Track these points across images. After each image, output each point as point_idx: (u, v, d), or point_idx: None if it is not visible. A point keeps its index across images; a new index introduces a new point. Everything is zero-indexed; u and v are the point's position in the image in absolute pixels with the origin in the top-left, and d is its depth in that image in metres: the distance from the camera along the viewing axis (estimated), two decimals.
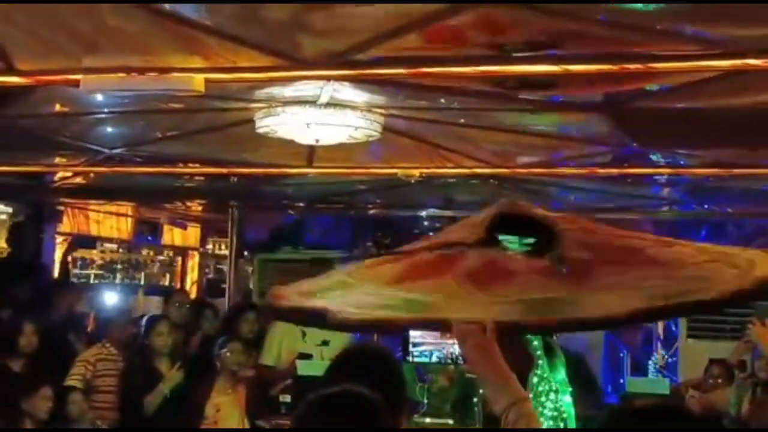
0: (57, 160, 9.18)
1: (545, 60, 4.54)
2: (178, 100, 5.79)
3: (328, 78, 5.17)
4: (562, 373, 5.86)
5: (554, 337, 6.88)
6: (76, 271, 14.21)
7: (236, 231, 11.43)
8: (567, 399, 5.14)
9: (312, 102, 6.00)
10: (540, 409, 5.07)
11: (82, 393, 7.66)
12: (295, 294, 4.04)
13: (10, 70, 4.74)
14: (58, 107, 6.56)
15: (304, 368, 8.25)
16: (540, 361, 7.00)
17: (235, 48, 4.62)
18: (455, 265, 3.75)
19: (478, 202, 8.02)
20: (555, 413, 6.15)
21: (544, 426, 4.58)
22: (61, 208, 12.61)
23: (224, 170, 8.70)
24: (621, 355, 10.19)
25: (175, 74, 4.76)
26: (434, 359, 8.74)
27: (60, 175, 10.19)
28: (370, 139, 6.51)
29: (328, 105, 6.03)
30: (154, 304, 11.16)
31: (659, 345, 10.47)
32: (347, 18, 4.22)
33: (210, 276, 15.49)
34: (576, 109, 6.08)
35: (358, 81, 5.37)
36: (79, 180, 10.33)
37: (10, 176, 9.75)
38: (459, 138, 7.25)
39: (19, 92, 5.59)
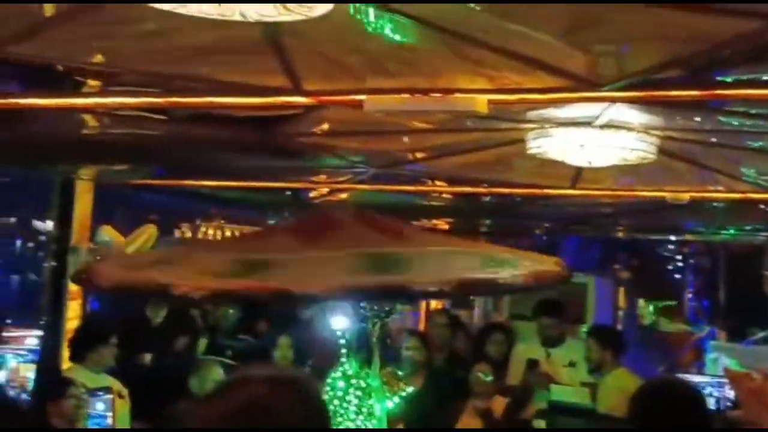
0: (317, 177, 9.37)
1: None
2: (452, 121, 5.76)
3: (616, 100, 4.99)
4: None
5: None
6: None
7: None
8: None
9: (587, 123, 5.84)
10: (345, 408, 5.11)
11: None
12: (118, 268, 4.11)
13: (297, 91, 4.79)
14: (325, 126, 6.66)
15: (556, 394, 8.08)
16: (344, 359, 6.87)
17: (521, 69, 4.51)
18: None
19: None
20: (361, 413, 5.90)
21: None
22: None
23: (483, 189, 8.63)
24: None
25: (459, 95, 4.68)
26: None
27: (316, 192, 10.39)
28: (644, 161, 6.29)
29: (603, 126, 5.85)
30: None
31: None
32: (639, 41, 4.07)
33: None
34: None
35: (642, 103, 5.17)
36: (333, 197, 10.51)
37: (272, 192, 10.01)
38: (732, 161, 6.94)
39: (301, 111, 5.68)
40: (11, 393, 5.11)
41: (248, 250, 4.89)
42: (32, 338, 5.01)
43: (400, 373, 8.10)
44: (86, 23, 4.17)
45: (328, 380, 7.02)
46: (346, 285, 4.65)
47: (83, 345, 6.66)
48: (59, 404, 5.94)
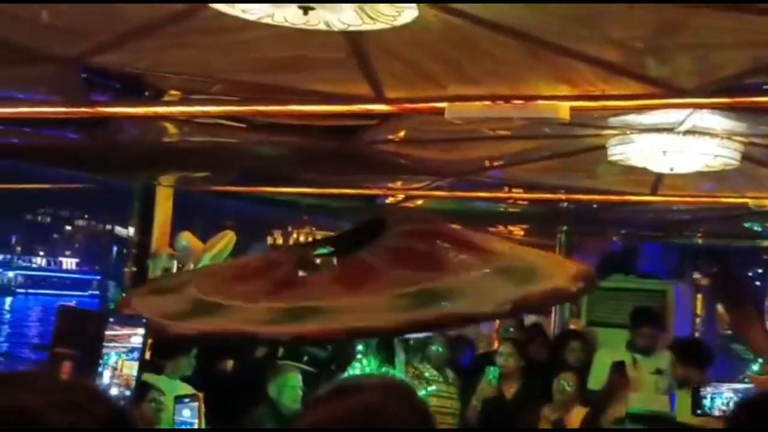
0: (393, 183, 9.40)
1: None
2: (531, 127, 5.73)
3: (702, 106, 4.92)
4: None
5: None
6: None
7: (564, 256, 11.26)
8: None
9: (669, 129, 5.77)
10: None
11: None
12: (162, 317, 4.26)
13: (380, 99, 4.81)
14: (402, 133, 6.68)
15: (636, 402, 8.00)
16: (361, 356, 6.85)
17: (604, 75, 4.47)
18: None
19: None
20: None
21: None
22: None
23: (561, 196, 8.58)
24: None
25: (541, 102, 4.66)
26: None
27: (391, 199, 10.42)
28: (727, 168, 6.19)
29: (686, 132, 5.78)
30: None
31: None
32: (723, 47, 4.01)
33: None
34: None
35: (726, 109, 5.09)
36: (409, 204, 10.53)
37: (345, 198, 10.06)
38: None
39: (382, 118, 5.70)
40: (115, 391, 5.16)
41: (290, 299, 5.19)
42: (137, 336, 5.07)
43: (426, 373, 8.16)
44: (171, 34, 4.23)
45: (345, 377, 7.13)
46: (403, 320, 4.98)
47: (164, 354, 6.70)
48: (140, 408, 6.03)
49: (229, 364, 8.21)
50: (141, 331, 5.05)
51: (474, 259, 5.13)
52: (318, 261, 5.46)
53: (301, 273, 5.37)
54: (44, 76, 5.24)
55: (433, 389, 8.23)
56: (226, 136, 6.71)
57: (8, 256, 67.95)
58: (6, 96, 5.71)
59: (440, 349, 8.45)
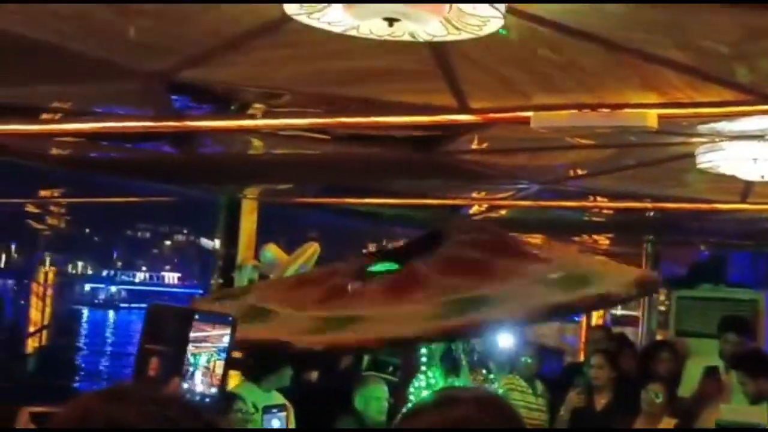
0: (476, 193, 9.36)
1: None
2: (617, 136, 5.66)
3: None
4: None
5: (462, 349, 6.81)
6: None
7: (650, 266, 11.12)
8: None
9: (760, 137, 5.66)
10: None
11: None
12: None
13: (464, 109, 4.79)
14: (479, 143, 6.64)
15: (727, 413, 7.82)
16: (425, 368, 6.76)
17: (693, 82, 4.40)
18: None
19: None
20: None
21: None
22: None
23: (648, 205, 8.46)
24: None
25: (628, 110, 4.61)
26: None
27: (475, 208, 10.38)
28: None
29: None
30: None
31: None
32: None
33: (617, 312, 15.25)
34: None
35: None
36: (492, 214, 10.48)
37: (429, 209, 10.04)
38: None
39: (467, 129, 5.68)
40: (207, 390, 5.19)
41: (334, 308, 5.31)
42: (228, 336, 5.14)
43: (491, 376, 8.10)
44: (257, 48, 4.27)
45: (411, 389, 7.11)
46: (441, 327, 5.10)
47: (264, 365, 6.67)
48: (226, 420, 6.06)
49: (314, 375, 8.25)
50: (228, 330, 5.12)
51: (526, 267, 5.18)
52: (371, 271, 5.57)
53: (353, 283, 5.45)
54: (132, 91, 5.32)
55: (521, 400, 8.18)
56: (309, 148, 6.75)
57: (111, 272, 69.12)
58: (96, 111, 5.82)
59: (530, 361, 8.39)
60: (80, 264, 69.06)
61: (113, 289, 65.94)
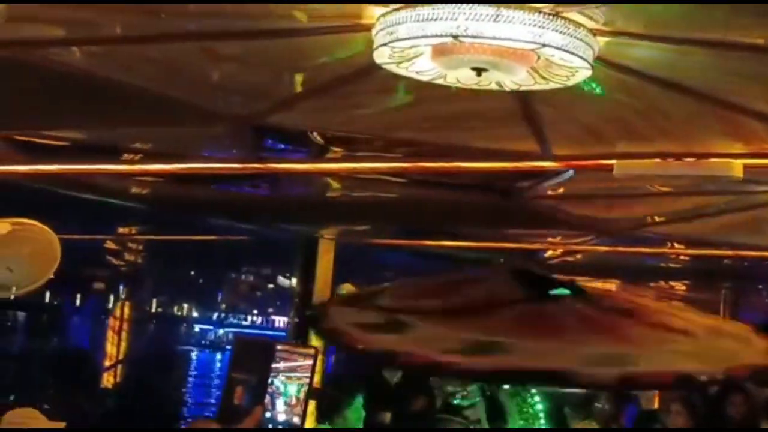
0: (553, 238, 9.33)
1: None
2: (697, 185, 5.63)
3: None
4: None
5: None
6: None
7: (728, 312, 10.98)
8: None
9: None
10: None
11: None
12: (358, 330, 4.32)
13: (547, 156, 4.80)
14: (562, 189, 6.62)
15: None
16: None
17: None
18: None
19: None
20: None
21: None
22: None
23: (730, 252, 8.36)
24: None
25: (714, 159, 4.58)
26: None
27: (550, 252, 10.34)
28: None
29: None
30: None
31: None
32: None
33: None
34: None
35: None
36: (568, 258, 10.44)
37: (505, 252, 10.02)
38: None
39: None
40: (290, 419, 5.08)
41: (474, 330, 5.26)
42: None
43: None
44: (340, 95, 4.32)
45: None
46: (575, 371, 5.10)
47: (332, 406, 6.70)
48: None
49: (387, 416, 8.24)
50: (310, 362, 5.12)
51: (662, 336, 5.12)
52: (507, 294, 5.51)
53: (487, 303, 5.34)
54: (218, 134, 5.42)
55: None
56: (386, 191, 6.79)
57: (221, 314, 69.30)
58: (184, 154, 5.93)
59: (606, 407, 8.32)
60: (185, 306, 69.25)
61: (221, 332, 65.85)
